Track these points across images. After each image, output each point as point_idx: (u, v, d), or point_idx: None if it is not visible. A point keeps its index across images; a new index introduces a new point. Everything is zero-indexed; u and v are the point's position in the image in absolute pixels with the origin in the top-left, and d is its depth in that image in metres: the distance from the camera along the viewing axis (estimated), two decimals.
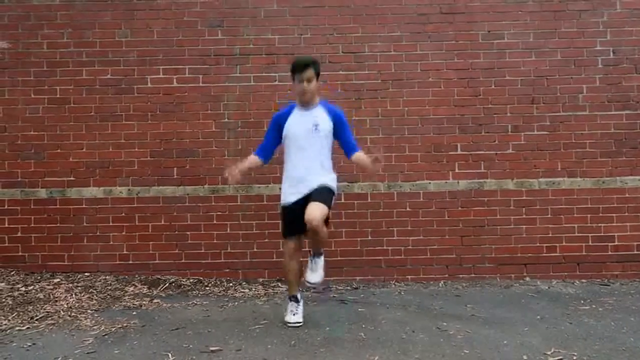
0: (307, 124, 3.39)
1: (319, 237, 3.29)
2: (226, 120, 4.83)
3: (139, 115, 4.83)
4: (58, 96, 4.83)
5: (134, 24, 4.87)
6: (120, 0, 4.88)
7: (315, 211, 3.18)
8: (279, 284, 4.56)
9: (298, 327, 3.37)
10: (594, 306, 3.85)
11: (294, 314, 3.46)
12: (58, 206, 4.77)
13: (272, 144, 3.57)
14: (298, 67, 3.35)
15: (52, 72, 4.84)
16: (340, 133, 3.49)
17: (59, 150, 4.81)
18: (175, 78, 4.86)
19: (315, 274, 3.46)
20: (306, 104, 3.45)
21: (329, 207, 3.34)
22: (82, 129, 4.82)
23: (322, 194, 3.32)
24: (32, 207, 4.77)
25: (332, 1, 4.89)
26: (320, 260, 3.50)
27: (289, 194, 3.43)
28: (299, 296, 3.55)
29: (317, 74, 3.41)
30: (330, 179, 3.44)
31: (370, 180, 4.74)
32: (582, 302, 3.98)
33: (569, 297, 4.15)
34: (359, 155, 3.48)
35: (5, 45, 4.85)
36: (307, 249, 3.58)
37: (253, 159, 3.58)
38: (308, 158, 3.39)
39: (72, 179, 4.80)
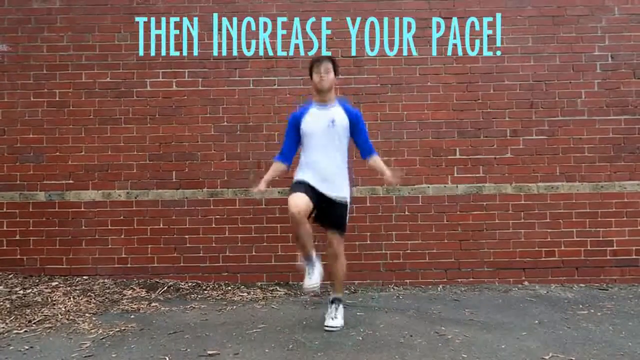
0: (324, 120, 3.43)
1: (337, 263, 3.48)
2: (225, 123, 4.83)
3: (138, 119, 4.84)
4: (57, 99, 4.84)
5: (134, 28, 4.88)
6: (120, 3, 4.89)
7: (335, 238, 3.42)
8: (278, 288, 4.56)
9: (315, 290, 3.37)
10: (592, 311, 3.85)
11: (309, 276, 3.34)
12: (57, 209, 4.77)
13: (292, 145, 3.58)
14: (316, 60, 3.45)
15: (51, 75, 4.85)
16: (356, 133, 3.54)
17: (58, 154, 4.81)
18: (175, 81, 4.86)
19: (335, 320, 3.43)
20: (323, 98, 3.47)
21: (345, 230, 3.53)
22: (81, 132, 4.83)
23: (340, 217, 3.45)
24: (30, 210, 4.76)
25: (331, 5, 4.90)
26: (341, 308, 3.54)
27: (306, 177, 3.41)
28: (313, 255, 3.36)
29: (335, 70, 3.48)
30: (345, 179, 3.50)
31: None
32: (581, 306, 3.98)
33: (568, 301, 4.14)
34: (376, 161, 3.59)
35: (5, 48, 4.86)
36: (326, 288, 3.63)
37: (276, 166, 3.60)
38: (325, 154, 3.42)
39: (70, 182, 4.80)
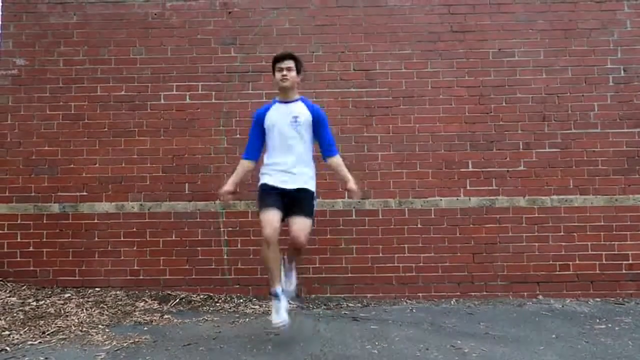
0: (287, 116, 3.44)
1: (300, 253, 3.55)
2: (238, 136, 4.85)
3: (151, 131, 4.88)
4: (72, 112, 4.90)
5: (149, 42, 4.95)
6: (135, 18, 4.97)
7: (301, 230, 3.30)
8: (290, 301, 4.51)
9: (283, 327, 3.23)
10: (610, 325, 3.80)
11: (277, 312, 3.25)
12: (70, 221, 4.79)
13: (258, 142, 3.59)
14: (278, 58, 3.48)
15: (67, 89, 4.91)
16: (319, 131, 3.52)
17: (72, 166, 4.85)
18: (188, 95, 4.91)
19: (289, 281, 3.53)
20: (286, 95, 3.49)
21: (313, 219, 3.47)
22: (95, 145, 4.87)
23: (306, 205, 3.39)
24: (44, 221, 4.79)
25: (343, 20, 4.96)
26: (294, 274, 3.62)
27: (270, 180, 3.42)
28: (279, 291, 3.31)
29: (298, 68, 3.49)
30: (311, 178, 3.49)
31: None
32: (598, 321, 3.92)
33: (584, 316, 4.09)
34: (336, 162, 3.56)
35: (22, 62, 4.93)
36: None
37: (244, 164, 3.60)
38: (288, 148, 3.42)
39: (84, 194, 4.83)
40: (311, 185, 3.47)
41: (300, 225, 3.31)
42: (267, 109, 3.55)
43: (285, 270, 3.55)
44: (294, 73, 3.46)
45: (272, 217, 3.24)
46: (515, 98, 4.86)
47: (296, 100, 3.52)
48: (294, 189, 3.38)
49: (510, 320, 3.96)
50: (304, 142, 3.47)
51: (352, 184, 3.43)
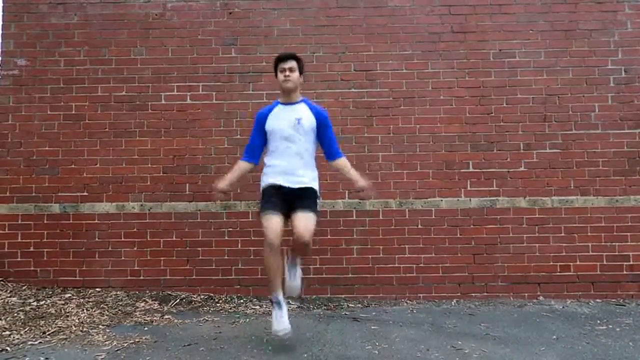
0: (290, 118, 3.36)
1: (306, 251, 3.32)
2: (239, 137, 4.86)
3: (152, 132, 4.88)
4: (73, 112, 4.90)
5: (149, 42, 4.96)
6: (136, 18, 4.98)
7: (307, 225, 3.16)
8: (290, 302, 4.52)
9: (285, 335, 3.14)
10: (610, 326, 3.79)
11: (278, 320, 3.16)
12: (71, 221, 4.79)
13: (258, 144, 3.50)
14: (281, 58, 3.41)
15: (68, 89, 4.92)
16: (323, 134, 3.45)
17: (73, 166, 4.86)
18: (189, 95, 4.91)
19: (294, 282, 3.37)
20: (288, 96, 3.42)
21: (317, 216, 3.34)
22: (96, 145, 4.87)
23: (309, 201, 3.29)
24: (45, 222, 4.79)
25: (344, 20, 4.96)
26: (299, 268, 3.43)
27: (271, 180, 3.34)
28: (280, 298, 3.23)
29: (301, 69, 3.43)
30: (313, 178, 3.41)
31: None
32: (599, 322, 3.92)
33: (585, 317, 4.09)
34: (343, 163, 3.49)
35: (23, 63, 4.94)
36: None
37: (242, 165, 3.52)
38: (291, 151, 3.33)
39: (85, 194, 4.83)
40: (314, 185, 3.40)
41: (304, 223, 3.16)
42: (269, 110, 3.46)
43: (289, 263, 3.41)
44: (296, 74, 3.39)
45: (274, 222, 3.16)
46: (515, 99, 4.86)
47: (299, 101, 3.45)
48: (296, 188, 3.31)
49: (511, 321, 3.95)
50: (307, 145, 3.39)
51: (362, 182, 3.36)
